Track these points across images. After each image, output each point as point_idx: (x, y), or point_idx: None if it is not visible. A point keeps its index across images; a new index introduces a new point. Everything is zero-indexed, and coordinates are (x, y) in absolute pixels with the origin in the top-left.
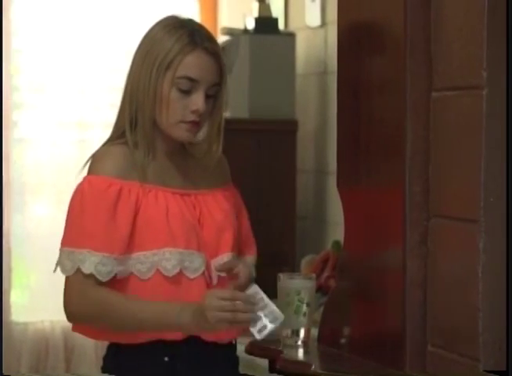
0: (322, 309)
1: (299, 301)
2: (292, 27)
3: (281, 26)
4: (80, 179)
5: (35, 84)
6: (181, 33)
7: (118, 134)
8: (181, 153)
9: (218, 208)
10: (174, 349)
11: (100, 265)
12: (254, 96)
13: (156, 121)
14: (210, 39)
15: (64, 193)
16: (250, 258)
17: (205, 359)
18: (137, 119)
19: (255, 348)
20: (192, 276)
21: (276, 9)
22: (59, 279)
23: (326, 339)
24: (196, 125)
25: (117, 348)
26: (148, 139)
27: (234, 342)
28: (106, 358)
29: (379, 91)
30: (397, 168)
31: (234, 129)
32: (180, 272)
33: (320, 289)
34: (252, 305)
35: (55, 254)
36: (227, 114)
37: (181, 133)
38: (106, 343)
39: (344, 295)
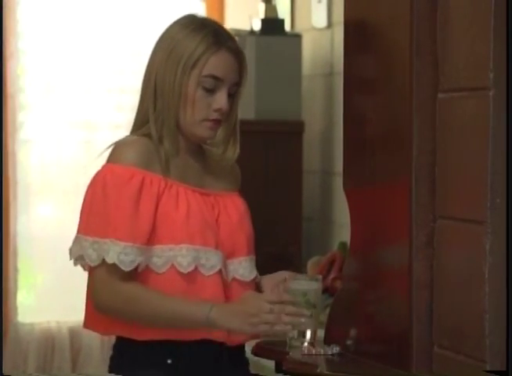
0: (328, 310)
1: (305, 302)
2: (298, 28)
3: (287, 27)
4: (87, 180)
5: (41, 85)
6: (205, 32)
7: (138, 125)
8: (200, 154)
9: (235, 210)
10: (178, 351)
11: (123, 255)
12: (260, 97)
13: (179, 120)
14: (232, 38)
15: (70, 194)
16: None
17: (210, 360)
18: (163, 117)
19: (262, 350)
20: (207, 274)
21: (282, 10)
22: (65, 279)
23: (333, 340)
24: (218, 123)
25: (121, 348)
26: (172, 136)
27: (243, 344)
28: (112, 358)
29: (385, 92)
30: (403, 169)
31: (240, 130)
32: (195, 269)
33: (326, 290)
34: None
35: (61, 254)
36: None
37: (203, 131)
38: (112, 343)
39: (351, 296)
